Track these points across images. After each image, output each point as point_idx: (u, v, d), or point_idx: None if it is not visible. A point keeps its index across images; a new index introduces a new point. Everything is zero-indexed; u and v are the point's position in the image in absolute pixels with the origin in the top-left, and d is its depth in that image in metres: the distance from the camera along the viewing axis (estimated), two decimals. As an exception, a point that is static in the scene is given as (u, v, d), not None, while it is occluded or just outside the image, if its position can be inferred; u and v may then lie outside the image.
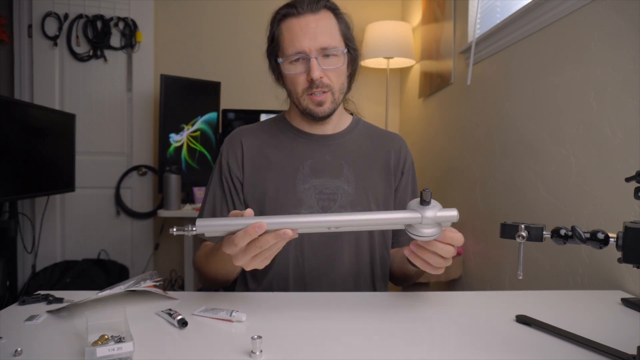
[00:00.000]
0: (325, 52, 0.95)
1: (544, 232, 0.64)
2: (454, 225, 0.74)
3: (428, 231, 0.70)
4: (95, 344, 0.61)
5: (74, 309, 0.80)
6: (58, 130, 2.48)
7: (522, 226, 0.64)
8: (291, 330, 0.72)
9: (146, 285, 0.84)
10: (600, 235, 0.60)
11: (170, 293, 0.87)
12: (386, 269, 1.08)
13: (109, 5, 2.77)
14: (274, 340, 0.67)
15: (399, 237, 1.10)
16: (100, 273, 2.57)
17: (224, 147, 1.07)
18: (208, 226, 0.69)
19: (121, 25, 2.78)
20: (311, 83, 0.95)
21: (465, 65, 1.95)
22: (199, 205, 2.58)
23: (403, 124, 3.08)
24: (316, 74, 0.94)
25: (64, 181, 2.51)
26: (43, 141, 2.34)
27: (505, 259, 1.64)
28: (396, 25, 2.69)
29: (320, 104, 0.97)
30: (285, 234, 0.67)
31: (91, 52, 2.76)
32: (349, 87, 1.07)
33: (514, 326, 0.75)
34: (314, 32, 0.94)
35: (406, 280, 1.10)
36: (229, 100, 2.91)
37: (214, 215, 1.04)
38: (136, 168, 2.85)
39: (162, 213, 2.45)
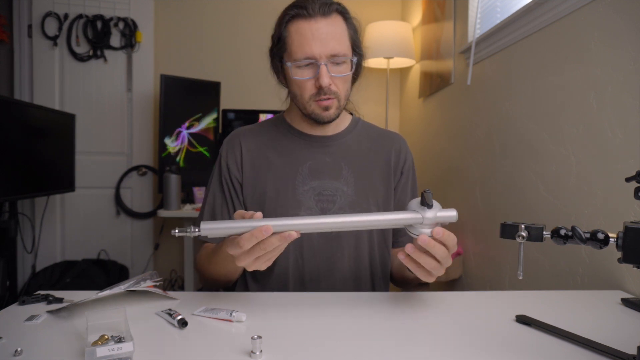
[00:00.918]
0: (334, 60, 0.93)
1: (544, 232, 0.64)
2: (453, 225, 0.75)
3: (428, 231, 0.72)
4: (95, 344, 0.61)
5: (74, 309, 0.80)
6: (58, 130, 2.48)
7: (522, 226, 0.64)
8: (291, 330, 0.72)
9: (146, 285, 0.84)
10: (600, 235, 0.60)
11: (170, 293, 0.87)
12: (386, 269, 1.08)
13: (109, 5, 2.77)
14: (274, 340, 0.67)
15: (399, 237, 1.10)
16: (100, 273, 2.57)
17: (223, 149, 1.07)
18: (213, 229, 0.70)
19: (121, 25, 2.78)
20: (319, 89, 0.94)
21: (465, 65, 1.95)
22: (199, 205, 2.58)
23: (403, 124, 3.08)
24: (325, 81, 0.92)
25: (64, 181, 2.51)
26: (43, 141, 2.34)
27: (505, 259, 1.64)
28: (396, 25, 2.69)
29: (326, 108, 0.97)
30: (290, 237, 0.67)
31: (91, 52, 2.75)
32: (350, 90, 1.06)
33: (514, 326, 0.75)
34: (325, 37, 0.91)
35: (406, 284, 1.10)
36: (229, 100, 2.91)
37: (213, 216, 1.04)
38: (136, 168, 2.85)
39: (162, 213, 2.45)
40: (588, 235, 0.61)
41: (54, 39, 2.69)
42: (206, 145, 2.79)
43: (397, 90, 3.16)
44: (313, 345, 0.67)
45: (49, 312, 0.78)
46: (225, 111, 2.80)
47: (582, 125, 1.21)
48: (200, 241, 1.04)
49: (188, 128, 2.70)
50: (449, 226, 0.75)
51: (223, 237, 0.87)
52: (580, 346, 0.66)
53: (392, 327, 0.74)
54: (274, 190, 1.01)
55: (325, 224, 0.72)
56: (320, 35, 0.91)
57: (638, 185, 0.61)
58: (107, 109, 2.81)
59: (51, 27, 2.70)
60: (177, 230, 0.69)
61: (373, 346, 0.67)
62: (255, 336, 0.62)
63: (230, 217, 1.03)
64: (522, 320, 0.75)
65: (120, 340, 0.62)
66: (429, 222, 0.71)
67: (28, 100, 2.66)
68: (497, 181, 1.69)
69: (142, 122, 2.86)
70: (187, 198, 2.68)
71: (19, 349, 0.61)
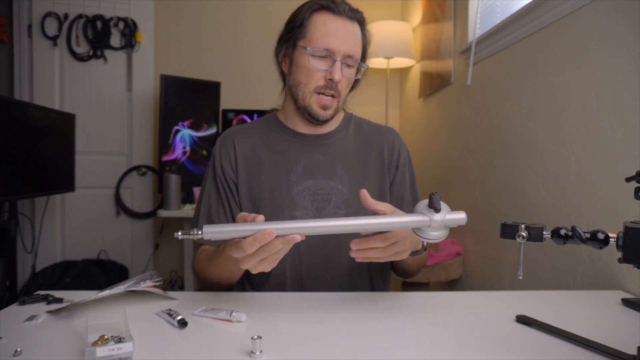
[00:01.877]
0: (347, 61, 0.97)
1: (544, 232, 0.64)
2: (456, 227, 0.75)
3: (435, 234, 0.72)
4: (95, 344, 0.61)
5: (74, 309, 0.80)
6: (58, 130, 2.48)
7: (522, 226, 0.64)
8: (291, 331, 0.72)
9: (146, 285, 0.84)
10: (601, 235, 0.60)
11: (170, 293, 0.87)
12: (385, 267, 1.08)
13: (109, 5, 2.77)
14: (274, 340, 0.67)
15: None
16: (100, 273, 2.57)
17: (217, 149, 1.06)
18: (216, 232, 0.69)
19: (121, 25, 2.78)
20: (327, 83, 0.96)
21: (465, 65, 1.95)
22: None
23: (403, 124, 3.08)
24: (337, 75, 0.95)
25: (63, 181, 2.51)
26: (43, 141, 2.34)
27: (505, 259, 1.64)
28: (396, 25, 2.69)
29: (325, 107, 0.98)
30: (293, 240, 0.67)
31: (91, 52, 2.75)
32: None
33: (514, 326, 0.75)
34: (346, 36, 0.96)
35: (406, 272, 1.07)
36: (228, 100, 2.91)
37: (209, 217, 1.03)
38: (136, 168, 2.85)
39: (162, 213, 2.45)
40: (588, 235, 0.61)
41: (54, 39, 2.69)
42: (208, 146, 2.79)
43: (397, 90, 3.16)
44: (313, 345, 0.67)
45: (49, 312, 0.78)
46: (225, 111, 2.80)
47: (582, 125, 1.21)
48: (198, 243, 1.04)
49: (189, 128, 2.70)
50: None
51: (224, 240, 0.87)
52: (580, 346, 0.66)
53: (392, 327, 0.74)
54: (268, 191, 1.01)
55: (329, 227, 0.71)
56: (343, 33, 0.96)
57: (638, 185, 0.61)
58: (107, 109, 2.81)
59: (51, 27, 2.70)
60: (180, 233, 0.69)
61: (373, 346, 0.67)
62: (255, 336, 0.62)
63: (226, 218, 1.02)
64: (522, 320, 0.75)
65: (120, 340, 0.62)
66: (437, 225, 0.71)
67: (28, 100, 2.66)
68: (497, 181, 1.69)
69: (142, 122, 2.86)
70: (187, 198, 2.68)
71: (18, 349, 0.61)
